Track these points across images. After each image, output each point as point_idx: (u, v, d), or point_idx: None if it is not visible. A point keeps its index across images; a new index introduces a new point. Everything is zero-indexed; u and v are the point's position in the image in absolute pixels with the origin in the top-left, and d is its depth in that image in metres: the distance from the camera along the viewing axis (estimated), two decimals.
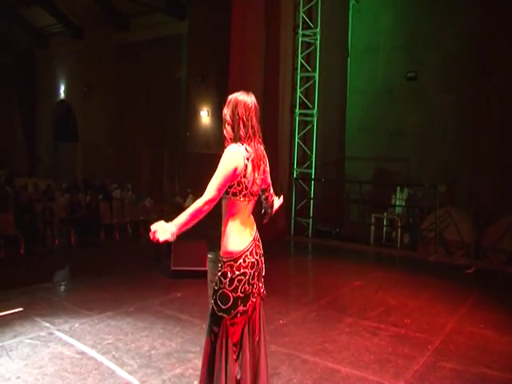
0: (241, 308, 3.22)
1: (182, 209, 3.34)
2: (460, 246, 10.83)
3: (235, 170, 3.13)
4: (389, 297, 7.48)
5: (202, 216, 3.08)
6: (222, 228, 3.29)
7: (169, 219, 3.03)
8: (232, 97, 3.31)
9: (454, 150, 12.76)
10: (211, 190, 3.07)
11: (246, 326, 3.29)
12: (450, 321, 6.40)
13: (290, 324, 6.14)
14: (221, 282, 3.24)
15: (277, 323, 6.11)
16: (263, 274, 3.41)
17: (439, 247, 11.05)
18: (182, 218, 3.04)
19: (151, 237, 2.98)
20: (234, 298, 3.20)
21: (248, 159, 3.19)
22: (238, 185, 3.17)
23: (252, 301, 3.29)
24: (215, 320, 3.26)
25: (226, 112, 3.30)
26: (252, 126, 3.26)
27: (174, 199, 14.99)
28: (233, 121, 3.26)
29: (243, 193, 3.20)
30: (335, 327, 6.04)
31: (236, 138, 3.24)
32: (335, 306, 6.95)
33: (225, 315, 3.21)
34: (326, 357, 5.10)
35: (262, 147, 3.37)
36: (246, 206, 3.27)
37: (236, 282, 3.20)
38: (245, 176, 3.18)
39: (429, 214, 11.54)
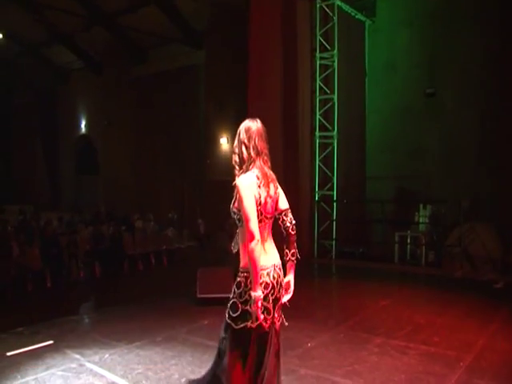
0: (249, 324, 3.19)
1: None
2: (486, 261, 10.67)
3: (254, 198, 3.20)
4: (416, 315, 7.41)
5: (259, 253, 3.16)
6: (242, 251, 3.31)
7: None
8: (239, 128, 3.40)
9: (476, 164, 12.65)
10: (252, 229, 3.13)
11: (255, 347, 3.25)
12: (481, 337, 6.31)
13: (319, 346, 6.11)
14: (234, 292, 3.31)
15: (305, 346, 6.08)
16: (281, 305, 3.39)
17: (465, 263, 10.92)
18: (252, 275, 3.14)
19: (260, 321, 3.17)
20: (242, 309, 3.21)
21: (260, 186, 3.25)
22: None
23: (263, 324, 3.22)
24: (225, 326, 3.33)
25: (234, 143, 3.41)
26: (254, 146, 3.31)
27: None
28: (238, 147, 3.36)
29: (260, 218, 3.25)
30: (364, 348, 5.99)
31: (241, 163, 3.32)
32: (363, 327, 6.90)
33: (232, 324, 3.24)
34: (357, 378, 5.06)
35: (268, 167, 3.37)
36: (263, 229, 3.30)
37: (247, 295, 3.20)
38: (260, 204, 3.23)
39: (452, 230, 11.42)
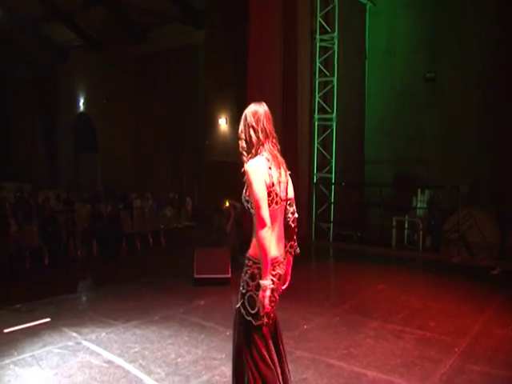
0: (265, 319, 3.12)
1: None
2: (483, 248, 10.70)
3: (265, 183, 3.08)
4: (413, 300, 7.43)
5: (270, 241, 3.03)
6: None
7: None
8: (244, 112, 3.29)
9: (476, 150, 12.57)
10: (263, 216, 3.00)
11: (271, 339, 3.20)
12: (477, 323, 6.34)
13: (315, 329, 6.14)
14: (247, 284, 3.15)
15: (301, 328, 6.11)
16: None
17: (462, 249, 10.94)
18: (262, 264, 3.01)
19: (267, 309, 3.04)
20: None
21: (270, 168, 3.14)
22: (269, 195, 3.10)
23: (271, 317, 3.20)
24: (245, 326, 3.16)
25: (239, 128, 3.28)
26: (263, 129, 3.19)
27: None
28: (244, 133, 3.23)
29: (275, 200, 3.15)
30: (360, 331, 6.02)
31: (249, 148, 3.20)
32: (359, 310, 6.92)
33: (252, 320, 3.11)
34: (352, 361, 5.08)
35: (277, 150, 3.27)
36: (279, 211, 3.21)
37: None
38: (273, 185, 3.12)
39: (451, 215, 11.43)
